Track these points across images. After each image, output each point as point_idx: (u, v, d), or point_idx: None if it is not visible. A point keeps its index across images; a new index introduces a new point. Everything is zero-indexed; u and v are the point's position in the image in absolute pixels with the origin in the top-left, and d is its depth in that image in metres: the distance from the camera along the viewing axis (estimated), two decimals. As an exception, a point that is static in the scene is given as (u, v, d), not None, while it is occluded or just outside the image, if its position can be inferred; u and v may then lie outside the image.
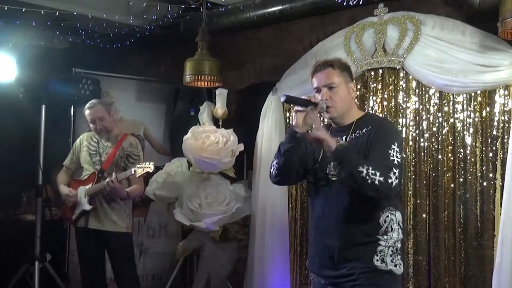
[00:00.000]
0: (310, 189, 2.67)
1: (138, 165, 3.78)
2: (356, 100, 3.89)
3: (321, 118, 4.18)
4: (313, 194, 2.64)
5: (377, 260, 2.41)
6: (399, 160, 2.37)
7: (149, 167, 3.73)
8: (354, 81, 2.60)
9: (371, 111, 3.95)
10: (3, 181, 5.01)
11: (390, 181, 2.28)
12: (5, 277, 4.52)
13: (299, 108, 2.47)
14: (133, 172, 3.75)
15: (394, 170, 2.31)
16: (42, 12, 4.63)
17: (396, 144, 2.40)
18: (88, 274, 4.03)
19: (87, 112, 3.98)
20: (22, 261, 4.51)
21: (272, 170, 2.66)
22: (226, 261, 4.60)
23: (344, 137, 2.51)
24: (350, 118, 2.56)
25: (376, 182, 2.26)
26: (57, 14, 4.74)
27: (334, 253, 2.48)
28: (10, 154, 5.09)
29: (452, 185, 3.67)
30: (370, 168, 2.26)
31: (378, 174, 2.26)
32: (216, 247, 4.59)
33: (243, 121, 4.93)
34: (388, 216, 2.44)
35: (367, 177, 2.25)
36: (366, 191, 2.30)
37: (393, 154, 2.36)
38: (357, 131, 2.50)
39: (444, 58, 3.59)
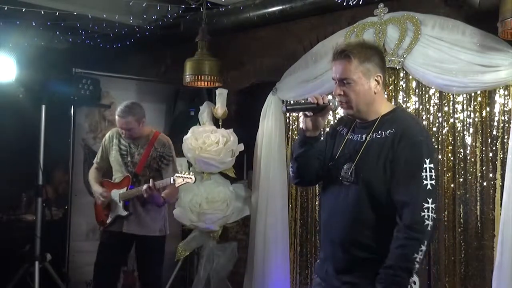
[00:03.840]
0: (322, 189, 2.43)
1: (177, 174, 3.64)
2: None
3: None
4: (323, 193, 2.40)
5: None
6: (433, 182, 2.09)
7: (190, 177, 3.62)
8: (384, 70, 2.27)
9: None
10: (3, 181, 5.02)
11: (429, 228, 2.06)
12: (5, 277, 4.52)
13: (306, 113, 2.25)
14: (172, 181, 3.63)
15: (427, 204, 2.05)
16: (42, 12, 4.63)
17: (428, 159, 2.10)
18: (104, 276, 3.91)
19: (117, 118, 3.83)
20: (22, 261, 4.51)
21: (290, 172, 2.45)
22: (226, 261, 4.60)
23: (365, 135, 2.24)
24: (374, 114, 2.25)
25: (425, 249, 2.06)
26: (57, 14, 4.74)
27: (339, 266, 2.24)
28: (10, 154, 5.09)
29: (452, 185, 3.67)
30: (416, 253, 2.04)
31: (423, 246, 2.05)
32: (216, 247, 4.59)
33: (243, 121, 4.93)
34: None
35: (421, 258, 2.06)
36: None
37: (426, 176, 2.08)
38: (379, 131, 2.20)
39: (444, 58, 3.59)
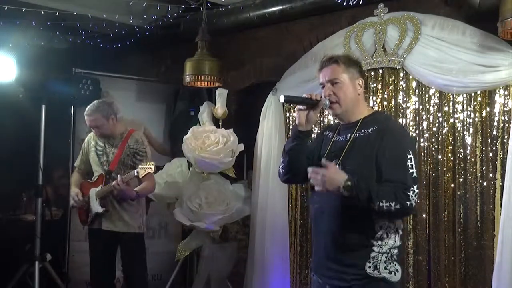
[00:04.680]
0: (312, 187, 2.56)
1: (140, 166, 3.74)
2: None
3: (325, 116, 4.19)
4: (313, 193, 2.59)
5: (369, 267, 2.35)
6: (416, 170, 2.34)
7: (150, 167, 3.71)
8: (363, 77, 2.57)
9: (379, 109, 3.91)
10: (3, 181, 5.01)
11: (408, 203, 2.28)
12: (5, 277, 4.52)
13: (300, 106, 2.47)
14: (136, 173, 3.71)
15: (413, 188, 2.29)
16: (42, 12, 4.63)
17: (410, 151, 2.36)
18: (98, 274, 4.03)
19: (85, 117, 3.95)
20: (22, 261, 4.51)
21: (280, 168, 2.64)
22: (226, 261, 4.60)
23: (349, 134, 2.47)
24: (357, 115, 2.50)
25: (393, 209, 2.26)
26: (57, 14, 4.74)
27: (329, 254, 2.45)
28: (10, 154, 5.09)
29: (452, 185, 3.67)
30: (384, 201, 2.25)
31: (393, 203, 2.26)
32: (216, 247, 4.59)
33: (243, 121, 4.93)
34: (385, 222, 2.38)
35: (382, 209, 2.26)
36: (383, 215, 2.33)
37: (411, 166, 2.33)
38: (363, 130, 2.45)
39: (444, 58, 3.59)
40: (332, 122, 3.96)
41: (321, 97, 2.47)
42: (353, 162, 2.40)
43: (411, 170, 2.32)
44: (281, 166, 2.62)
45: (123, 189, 3.72)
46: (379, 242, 2.37)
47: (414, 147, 2.45)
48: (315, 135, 2.84)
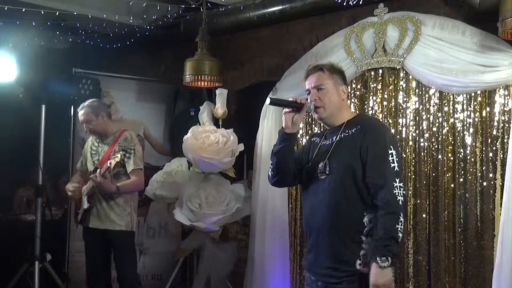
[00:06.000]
0: (303, 187, 2.76)
1: (112, 156, 3.80)
2: (356, 100, 4.05)
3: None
4: (304, 193, 2.72)
5: (360, 264, 2.46)
6: (398, 164, 2.46)
7: (117, 156, 3.78)
8: (346, 85, 2.73)
9: (371, 111, 3.97)
10: (3, 181, 5.02)
11: (398, 199, 2.40)
12: (5, 277, 4.52)
13: (286, 109, 2.61)
14: (108, 164, 3.76)
15: (396, 183, 2.41)
16: (42, 12, 4.63)
17: (392, 147, 2.48)
18: (93, 273, 4.06)
19: (78, 113, 4.04)
20: (22, 261, 4.51)
21: (269, 172, 2.78)
22: (226, 261, 4.60)
23: (334, 137, 2.61)
24: (341, 119, 2.64)
25: (401, 225, 2.38)
26: (57, 14, 4.74)
27: (321, 251, 2.56)
28: (10, 154, 5.09)
29: (452, 185, 3.67)
30: (397, 224, 2.37)
31: (400, 217, 2.38)
32: (216, 247, 4.59)
33: (243, 121, 4.93)
34: (373, 217, 2.47)
35: (401, 232, 2.39)
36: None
37: (393, 160, 2.45)
38: (347, 131, 2.59)
39: (444, 58, 3.59)
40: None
41: (306, 100, 2.61)
42: (339, 158, 2.54)
43: (392, 165, 2.44)
44: (270, 169, 2.75)
45: (100, 182, 3.74)
46: (369, 239, 2.46)
47: (395, 144, 2.56)
48: (304, 143, 2.98)
